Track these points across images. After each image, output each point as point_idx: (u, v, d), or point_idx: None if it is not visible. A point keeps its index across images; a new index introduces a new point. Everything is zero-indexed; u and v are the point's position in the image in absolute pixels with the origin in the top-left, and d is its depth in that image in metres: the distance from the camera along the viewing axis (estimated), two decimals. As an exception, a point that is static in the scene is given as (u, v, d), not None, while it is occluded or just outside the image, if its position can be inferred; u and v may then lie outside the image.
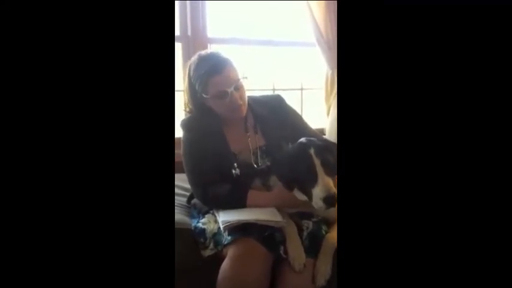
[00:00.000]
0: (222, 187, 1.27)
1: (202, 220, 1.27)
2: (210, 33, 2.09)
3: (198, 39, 2.05)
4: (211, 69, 1.27)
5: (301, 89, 2.44)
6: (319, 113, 2.32)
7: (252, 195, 1.25)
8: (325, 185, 1.09)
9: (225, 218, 1.16)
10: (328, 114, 2.28)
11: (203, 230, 1.22)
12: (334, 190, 1.09)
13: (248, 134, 1.38)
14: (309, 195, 1.13)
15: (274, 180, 1.27)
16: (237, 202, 1.24)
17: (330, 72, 2.26)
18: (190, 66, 1.35)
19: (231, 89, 1.27)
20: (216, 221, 1.22)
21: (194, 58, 1.35)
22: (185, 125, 1.38)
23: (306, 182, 1.13)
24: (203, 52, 1.36)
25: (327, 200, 1.08)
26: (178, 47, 2.02)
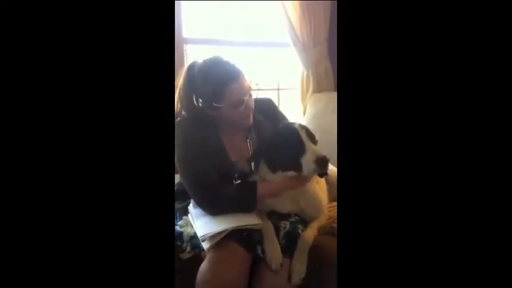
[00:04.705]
0: (227, 188, 1.19)
1: (180, 223, 1.27)
2: (186, 33, 2.08)
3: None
4: (227, 77, 1.16)
5: (278, 89, 2.46)
6: (296, 113, 2.35)
7: (261, 185, 1.19)
8: (314, 150, 1.13)
9: (203, 231, 1.12)
10: (304, 113, 2.31)
11: (180, 234, 1.22)
12: (323, 153, 1.11)
13: (248, 140, 1.32)
14: (299, 167, 1.14)
15: (264, 169, 1.24)
16: (248, 200, 1.17)
17: (305, 72, 2.28)
18: (192, 74, 1.21)
19: (247, 97, 1.19)
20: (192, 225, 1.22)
21: (198, 65, 1.21)
22: (183, 131, 1.22)
23: (294, 154, 1.14)
24: (207, 58, 1.22)
25: (319, 161, 1.11)
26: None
